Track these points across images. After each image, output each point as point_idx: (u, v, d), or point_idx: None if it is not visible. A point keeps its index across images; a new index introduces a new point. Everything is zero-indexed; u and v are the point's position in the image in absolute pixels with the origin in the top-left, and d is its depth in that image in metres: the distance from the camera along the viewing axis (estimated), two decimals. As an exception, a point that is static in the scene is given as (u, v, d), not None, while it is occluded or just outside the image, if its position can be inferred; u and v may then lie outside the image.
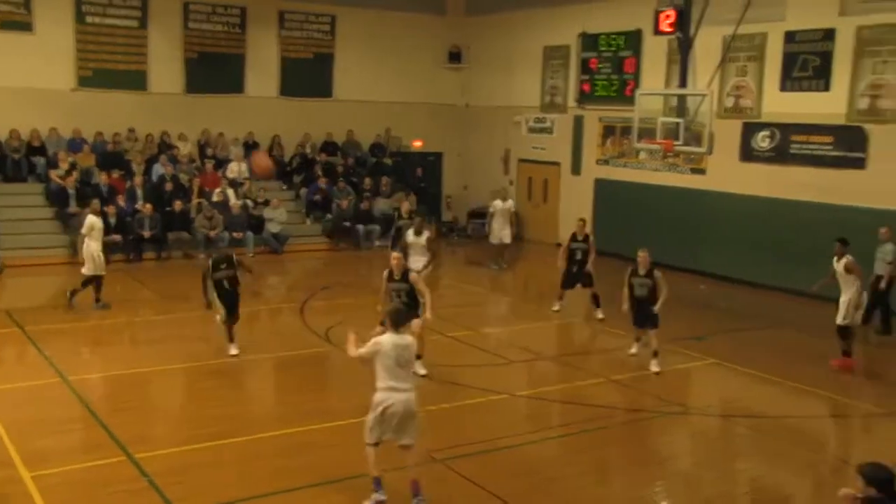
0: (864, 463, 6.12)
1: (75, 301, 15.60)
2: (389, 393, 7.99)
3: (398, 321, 8.19)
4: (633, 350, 13.69)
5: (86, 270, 15.58)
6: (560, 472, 9.38)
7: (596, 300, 16.05)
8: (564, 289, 16.36)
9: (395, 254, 12.20)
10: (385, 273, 11.97)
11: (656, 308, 12.94)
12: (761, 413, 11.44)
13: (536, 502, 8.55)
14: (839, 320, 13.25)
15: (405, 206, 19.97)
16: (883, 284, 15.09)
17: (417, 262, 14.53)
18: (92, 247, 15.50)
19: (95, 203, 16.80)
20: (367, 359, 8.03)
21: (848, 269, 13.24)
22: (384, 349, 7.95)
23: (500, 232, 21.08)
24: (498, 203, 21.20)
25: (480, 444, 9.82)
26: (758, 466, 9.83)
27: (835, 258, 13.58)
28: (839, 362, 13.25)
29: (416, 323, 11.37)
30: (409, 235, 15.04)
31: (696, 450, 10.51)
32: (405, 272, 11.95)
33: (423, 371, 11.83)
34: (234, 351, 13.03)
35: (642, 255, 13.17)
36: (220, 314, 13.10)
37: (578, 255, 15.93)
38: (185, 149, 23.46)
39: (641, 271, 13.14)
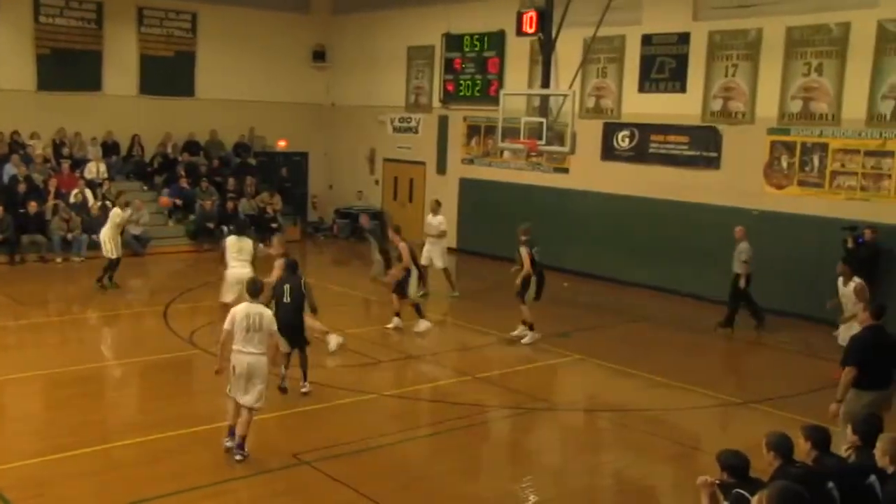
0: (722, 450, 6.35)
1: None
2: (237, 355, 9.08)
3: (253, 291, 9.33)
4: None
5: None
6: (429, 470, 9.41)
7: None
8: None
9: None
10: None
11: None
12: (624, 406, 11.73)
13: (406, 501, 8.54)
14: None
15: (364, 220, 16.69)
16: (742, 283, 15.43)
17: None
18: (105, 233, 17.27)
19: (123, 197, 18.82)
20: (230, 330, 9.06)
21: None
22: (238, 317, 9.06)
23: (429, 252, 17.96)
24: (428, 218, 18.65)
25: (349, 445, 9.74)
26: (621, 458, 10.07)
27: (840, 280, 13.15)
28: None
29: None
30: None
31: (563, 444, 10.70)
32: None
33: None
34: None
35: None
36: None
37: None
38: (39, 148, 22.47)
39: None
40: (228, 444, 9.25)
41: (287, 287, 11.06)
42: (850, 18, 16.22)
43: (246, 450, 9.11)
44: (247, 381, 9.08)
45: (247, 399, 9.08)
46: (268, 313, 9.27)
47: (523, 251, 14.22)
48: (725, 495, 6.04)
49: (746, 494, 5.90)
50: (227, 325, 9.11)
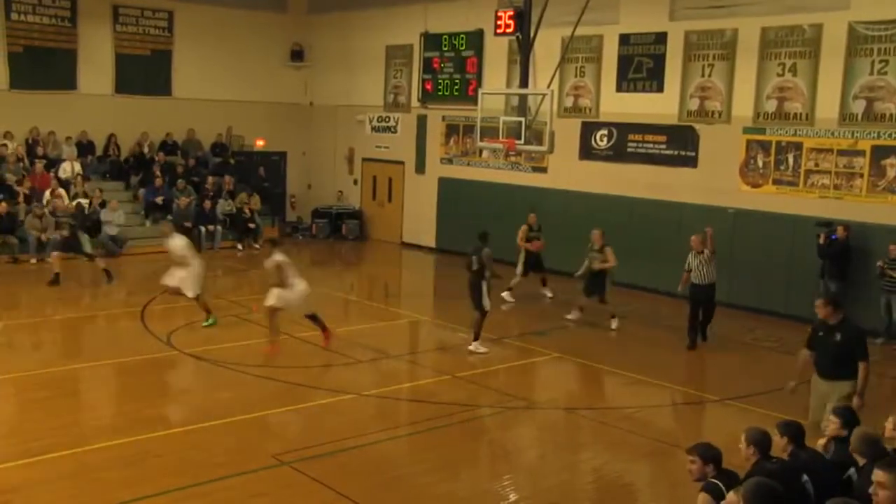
0: (696, 444, 6.47)
1: None
2: None
3: None
4: (572, 316, 15.96)
5: None
6: (409, 469, 9.40)
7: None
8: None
9: None
10: None
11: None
12: (602, 404, 11.79)
13: (387, 501, 8.54)
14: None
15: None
16: None
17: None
18: None
19: None
20: None
21: None
22: None
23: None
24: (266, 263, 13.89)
25: (329, 446, 9.72)
26: (599, 456, 10.12)
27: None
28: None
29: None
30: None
31: (541, 443, 10.72)
32: None
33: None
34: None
35: (596, 233, 15.83)
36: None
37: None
38: (12, 147, 22.27)
39: (596, 247, 15.58)
40: None
41: None
42: (823, 20, 16.39)
43: None
44: None
45: None
46: None
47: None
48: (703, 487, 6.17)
49: (720, 484, 6.07)
50: None
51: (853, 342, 9.19)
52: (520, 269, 17.81)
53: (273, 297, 13.31)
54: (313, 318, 13.80)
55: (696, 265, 14.38)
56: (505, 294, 17.34)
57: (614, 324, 15.73)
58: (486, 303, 13.83)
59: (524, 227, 17.94)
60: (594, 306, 16.04)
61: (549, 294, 18.04)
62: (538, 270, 18.08)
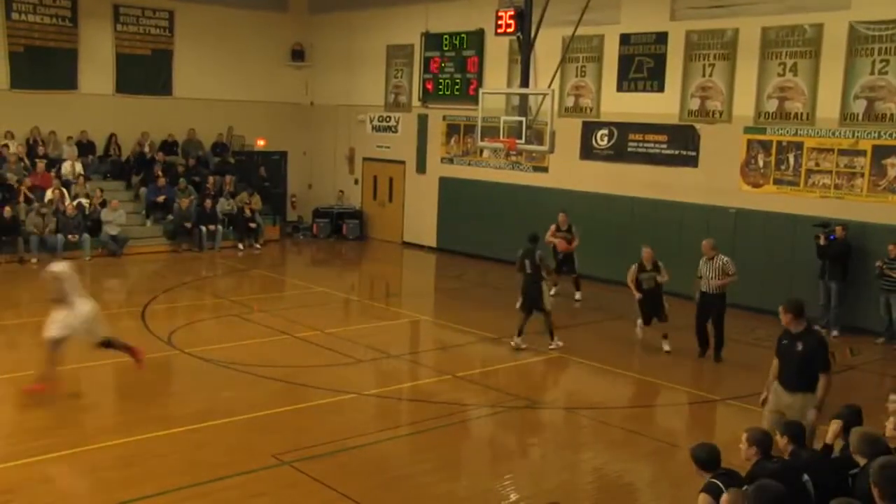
0: (693, 446, 6.48)
1: None
2: None
3: None
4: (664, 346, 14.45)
5: None
6: (409, 469, 9.40)
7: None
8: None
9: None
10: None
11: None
12: (603, 403, 11.78)
13: (387, 501, 8.54)
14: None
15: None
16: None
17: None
18: None
19: None
20: None
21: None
22: None
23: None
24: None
25: (329, 445, 9.72)
26: (600, 456, 10.11)
27: None
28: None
29: None
30: None
31: (542, 442, 10.72)
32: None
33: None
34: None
35: (647, 252, 14.34)
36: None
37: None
38: (13, 147, 22.27)
39: (648, 266, 14.27)
40: None
41: None
42: (823, 20, 16.40)
43: None
44: None
45: None
46: None
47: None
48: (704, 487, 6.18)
49: (720, 484, 6.07)
50: None
51: (814, 352, 8.63)
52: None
53: (55, 327, 11.20)
54: (108, 344, 11.65)
55: (705, 272, 13.73)
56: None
57: (666, 345, 14.36)
58: (548, 302, 14.04)
59: (552, 227, 17.91)
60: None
61: (578, 297, 18.04)
62: (567, 271, 18.06)
